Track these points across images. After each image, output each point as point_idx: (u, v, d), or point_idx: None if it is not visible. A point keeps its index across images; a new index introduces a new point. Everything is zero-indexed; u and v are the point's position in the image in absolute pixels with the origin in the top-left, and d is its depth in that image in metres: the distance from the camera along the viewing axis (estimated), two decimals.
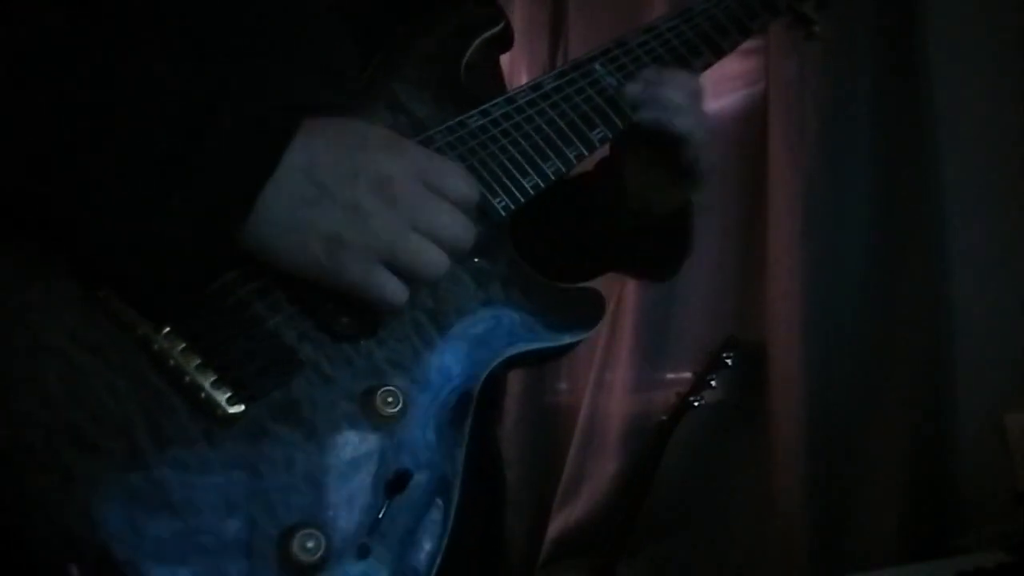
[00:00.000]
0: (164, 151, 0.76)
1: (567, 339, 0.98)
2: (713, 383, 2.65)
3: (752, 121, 2.85)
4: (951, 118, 2.58)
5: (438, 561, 0.81)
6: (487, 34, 1.08)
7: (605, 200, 1.23)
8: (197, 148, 0.77)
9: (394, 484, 0.80)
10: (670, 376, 2.95)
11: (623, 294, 2.98)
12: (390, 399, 0.82)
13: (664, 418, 2.64)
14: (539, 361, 0.99)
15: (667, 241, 1.28)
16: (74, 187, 0.75)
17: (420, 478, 0.82)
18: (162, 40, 0.88)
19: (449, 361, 0.89)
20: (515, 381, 3.05)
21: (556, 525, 2.97)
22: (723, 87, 2.87)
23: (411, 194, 0.83)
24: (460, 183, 0.88)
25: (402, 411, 0.83)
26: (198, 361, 0.77)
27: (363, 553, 0.77)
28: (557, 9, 3.15)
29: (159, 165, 0.76)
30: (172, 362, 0.76)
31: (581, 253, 1.28)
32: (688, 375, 2.69)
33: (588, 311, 1.01)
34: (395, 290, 0.83)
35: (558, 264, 1.29)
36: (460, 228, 0.86)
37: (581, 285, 1.04)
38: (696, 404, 2.63)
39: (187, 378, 0.76)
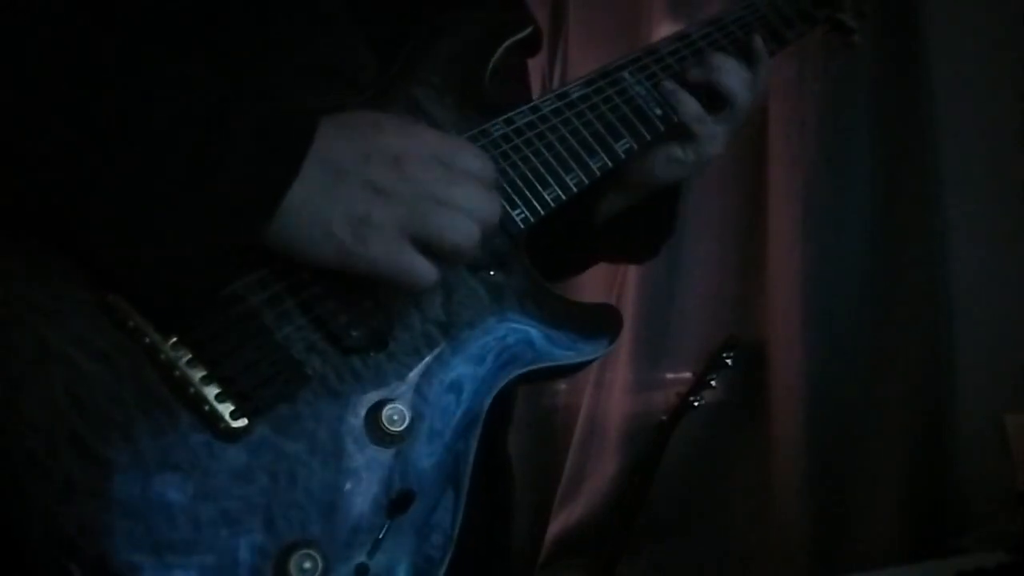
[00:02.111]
0: (182, 155, 0.75)
1: (583, 357, 0.96)
2: (713, 383, 2.64)
3: (752, 121, 2.85)
4: (951, 118, 2.58)
5: None
6: (514, 39, 1.05)
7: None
8: (216, 152, 0.76)
9: (397, 504, 0.79)
10: (670, 376, 2.95)
11: (623, 294, 2.98)
12: (396, 416, 0.81)
13: (664, 418, 2.63)
14: (553, 377, 0.97)
15: (655, 220, 1.26)
16: (92, 192, 0.74)
17: (424, 498, 0.81)
18: (177, 43, 0.87)
19: (460, 377, 0.87)
20: None
21: (556, 525, 2.98)
22: None
23: (427, 170, 0.82)
24: (474, 161, 0.86)
25: (408, 429, 0.81)
26: (203, 372, 0.76)
27: (362, 573, 0.76)
28: (556, 11, 3.14)
29: (178, 169, 0.75)
30: (177, 373, 0.75)
31: (570, 242, 1.24)
32: (688, 375, 2.69)
33: (605, 327, 0.98)
34: (424, 269, 0.81)
35: (546, 261, 1.28)
36: (482, 199, 0.84)
37: (597, 302, 1.02)
38: (696, 404, 2.63)
39: (192, 389, 0.75)
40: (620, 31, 2.95)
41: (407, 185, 0.81)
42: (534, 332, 0.93)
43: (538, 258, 1.15)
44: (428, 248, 0.81)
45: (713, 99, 1.15)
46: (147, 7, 0.88)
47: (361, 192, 0.79)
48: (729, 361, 2.65)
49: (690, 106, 1.12)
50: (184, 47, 0.87)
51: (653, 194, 1.22)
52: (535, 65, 3.01)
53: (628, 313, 2.96)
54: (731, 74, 1.15)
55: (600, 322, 0.99)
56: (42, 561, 0.70)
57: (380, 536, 0.77)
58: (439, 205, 0.81)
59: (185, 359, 0.76)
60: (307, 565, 0.73)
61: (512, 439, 1.13)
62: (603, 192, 1.20)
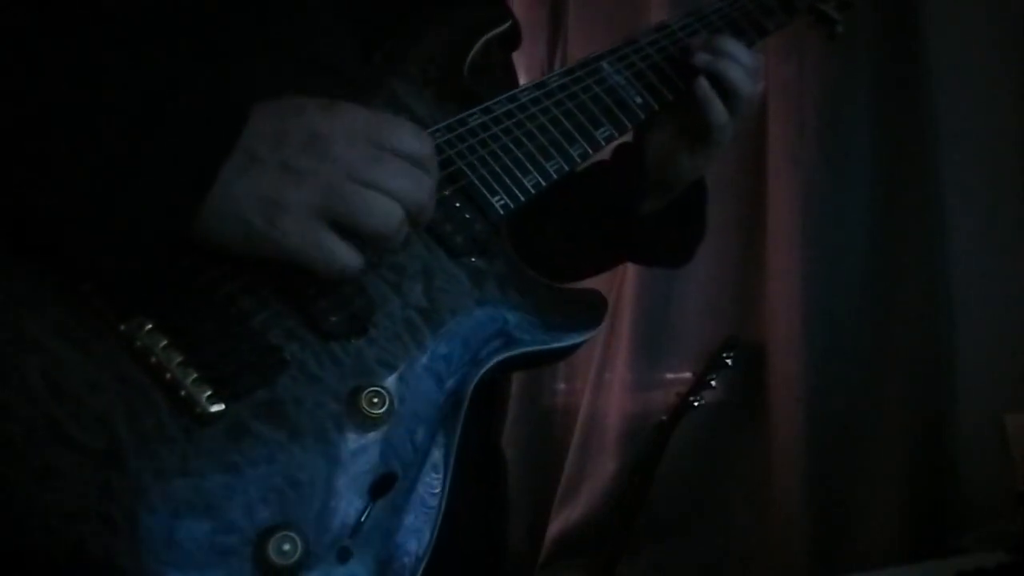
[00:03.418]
0: (111, 143, 0.75)
1: (566, 341, 0.95)
2: (713, 383, 2.63)
3: (752, 121, 2.85)
4: (951, 118, 2.58)
5: (423, 566, 0.80)
6: (492, 33, 1.07)
7: (626, 185, 1.22)
8: (149, 142, 0.75)
9: (378, 486, 0.78)
10: (670, 376, 2.95)
11: (622, 294, 2.98)
12: (375, 399, 0.80)
13: (664, 418, 2.62)
14: (538, 363, 0.97)
15: (682, 225, 1.28)
16: (38, 183, 0.74)
17: (406, 481, 0.80)
18: (173, 41, 0.88)
19: (441, 362, 0.87)
20: (514, 381, 3.04)
21: (556, 525, 2.97)
22: None
23: (349, 148, 0.78)
24: (407, 137, 0.81)
25: (388, 412, 0.81)
26: (180, 358, 0.76)
27: (343, 557, 0.76)
28: (556, 9, 3.15)
29: (106, 158, 0.74)
30: (154, 359, 0.75)
31: (598, 242, 1.27)
32: (688, 375, 2.68)
33: (588, 312, 0.98)
34: (342, 254, 0.78)
35: (571, 257, 1.27)
36: (409, 179, 0.80)
37: (581, 286, 1.02)
38: (696, 404, 2.62)
39: (168, 375, 0.75)
40: (620, 31, 2.95)
41: (323, 165, 0.77)
42: (516, 318, 0.93)
43: (564, 252, 1.14)
44: (347, 231, 0.78)
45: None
46: (146, 6, 0.88)
47: (273, 174, 0.76)
48: (729, 361, 2.64)
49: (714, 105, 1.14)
50: (182, 45, 0.88)
51: (678, 198, 1.24)
52: (535, 65, 3.03)
53: (628, 313, 2.97)
54: (736, 63, 1.15)
55: (583, 307, 0.98)
56: (24, 547, 0.70)
57: (362, 519, 0.77)
58: (358, 185, 0.78)
59: (161, 345, 0.76)
60: (286, 547, 0.73)
61: (512, 439, 1.13)
62: (645, 194, 1.22)
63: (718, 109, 1.15)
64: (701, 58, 1.14)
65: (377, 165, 0.79)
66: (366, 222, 0.78)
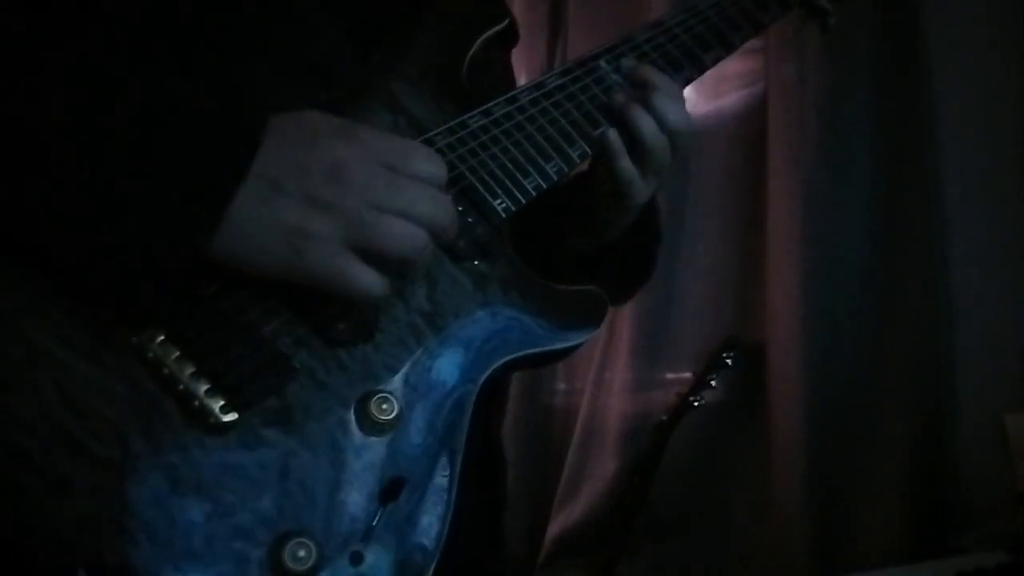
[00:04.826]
0: (117, 160, 0.74)
1: (568, 341, 0.96)
2: (713, 383, 2.64)
3: (752, 121, 2.85)
4: (951, 118, 2.58)
5: (433, 568, 0.80)
6: (490, 32, 1.07)
7: (569, 221, 1.18)
8: (157, 159, 0.75)
9: (388, 491, 0.79)
10: (670, 376, 2.95)
11: None
12: (385, 405, 0.81)
13: (664, 418, 2.63)
14: (540, 363, 0.98)
15: (624, 266, 1.24)
16: (40, 200, 0.74)
17: (415, 484, 0.81)
18: (176, 44, 0.88)
19: (446, 365, 0.87)
20: (514, 381, 3.03)
21: (556, 525, 2.97)
22: (723, 87, 2.88)
23: (370, 176, 0.80)
24: (423, 162, 0.84)
25: (398, 417, 0.82)
26: (192, 369, 0.76)
27: (356, 561, 0.76)
28: (556, 9, 3.14)
29: (113, 176, 0.74)
30: (166, 370, 0.76)
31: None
32: (688, 375, 2.68)
33: (590, 312, 0.99)
34: (368, 279, 0.80)
35: (566, 259, 1.26)
36: (431, 201, 0.82)
37: (582, 287, 1.02)
38: (696, 404, 2.62)
39: (180, 386, 0.76)
40: (620, 31, 2.95)
41: (347, 195, 0.78)
42: (519, 319, 0.93)
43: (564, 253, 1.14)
44: (372, 257, 0.80)
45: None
46: (146, 7, 0.88)
47: (298, 205, 0.77)
48: (729, 361, 2.64)
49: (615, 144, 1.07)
50: (182, 46, 0.88)
51: (624, 238, 1.19)
52: (534, 66, 3.03)
53: (628, 313, 2.96)
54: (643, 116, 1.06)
55: (585, 307, 0.99)
56: (44, 561, 0.70)
57: (373, 523, 0.78)
58: (381, 213, 0.79)
59: (173, 356, 0.77)
60: (301, 553, 0.73)
61: (512, 439, 1.12)
62: (564, 235, 1.18)
63: (623, 165, 1.06)
64: (618, 99, 1.07)
65: (398, 191, 0.81)
66: (392, 248, 0.80)
